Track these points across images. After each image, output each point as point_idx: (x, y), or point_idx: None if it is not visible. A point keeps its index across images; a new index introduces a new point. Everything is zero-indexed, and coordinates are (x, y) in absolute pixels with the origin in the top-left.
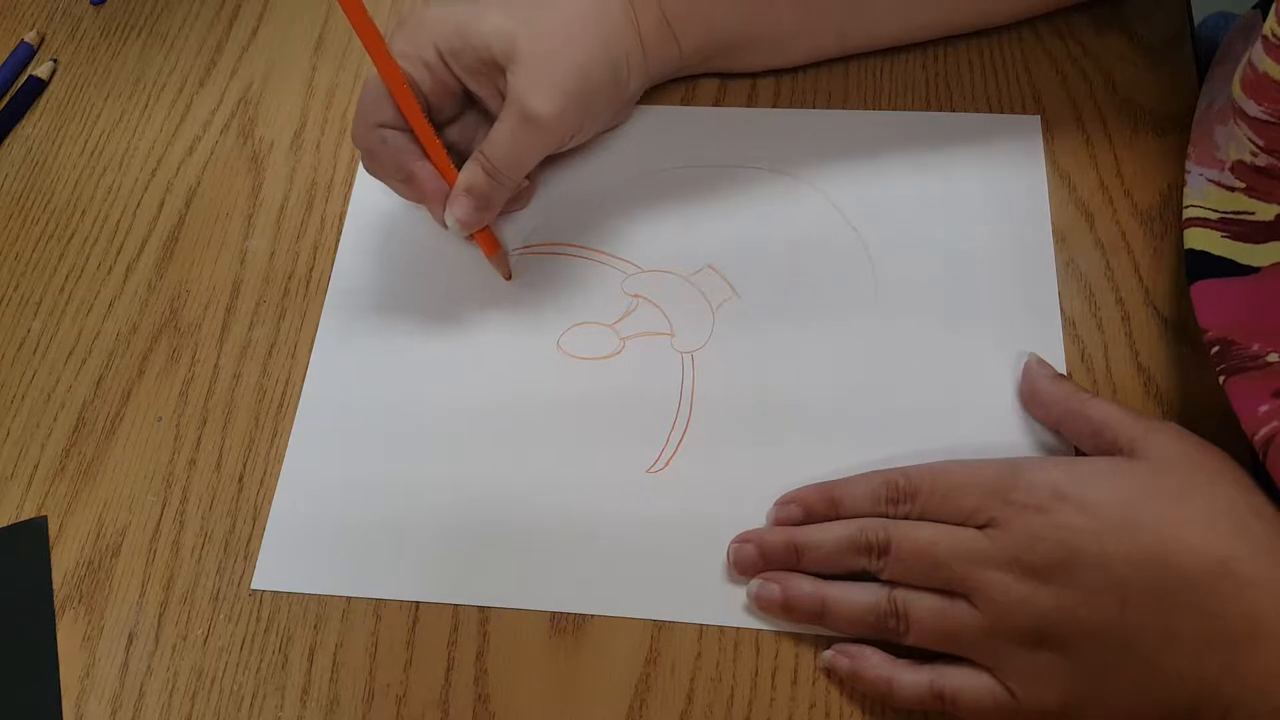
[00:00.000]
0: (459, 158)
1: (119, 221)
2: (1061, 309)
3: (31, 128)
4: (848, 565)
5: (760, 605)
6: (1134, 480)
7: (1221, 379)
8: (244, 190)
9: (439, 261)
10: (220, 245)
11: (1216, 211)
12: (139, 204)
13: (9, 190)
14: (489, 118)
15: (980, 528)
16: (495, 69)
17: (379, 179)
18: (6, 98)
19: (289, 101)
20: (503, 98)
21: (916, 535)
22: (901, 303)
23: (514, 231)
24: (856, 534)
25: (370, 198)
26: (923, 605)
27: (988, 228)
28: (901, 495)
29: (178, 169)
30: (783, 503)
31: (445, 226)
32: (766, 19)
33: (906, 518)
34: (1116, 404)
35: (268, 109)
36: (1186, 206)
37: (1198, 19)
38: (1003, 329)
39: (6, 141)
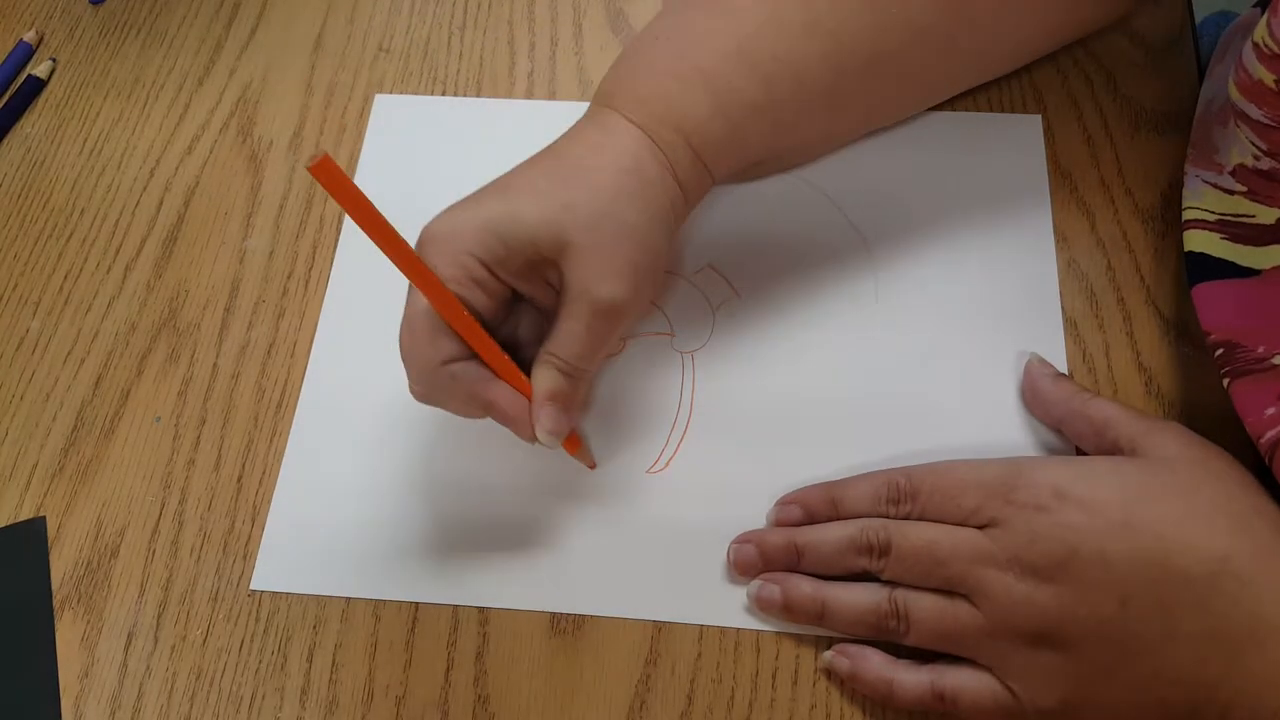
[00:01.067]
0: (512, 355)
1: (118, 221)
2: (1063, 308)
3: (30, 127)
4: (848, 566)
5: (760, 606)
6: (1135, 479)
7: (1226, 381)
8: (243, 189)
9: None
10: (219, 244)
11: (1214, 213)
12: (138, 203)
13: (8, 189)
14: (533, 305)
15: (981, 527)
16: (545, 264)
17: (443, 409)
18: (5, 97)
19: (288, 101)
20: (553, 289)
21: (917, 535)
22: (902, 302)
23: None
24: (857, 534)
25: (370, 198)
26: (923, 605)
27: (989, 227)
28: (902, 495)
29: (176, 168)
30: (783, 503)
31: (533, 442)
32: (795, 133)
33: (907, 518)
34: (1118, 403)
35: (266, 108)
36: (1185, 209)
37: (1198, 19)
38: (1004, 329)
39: (5, 141)
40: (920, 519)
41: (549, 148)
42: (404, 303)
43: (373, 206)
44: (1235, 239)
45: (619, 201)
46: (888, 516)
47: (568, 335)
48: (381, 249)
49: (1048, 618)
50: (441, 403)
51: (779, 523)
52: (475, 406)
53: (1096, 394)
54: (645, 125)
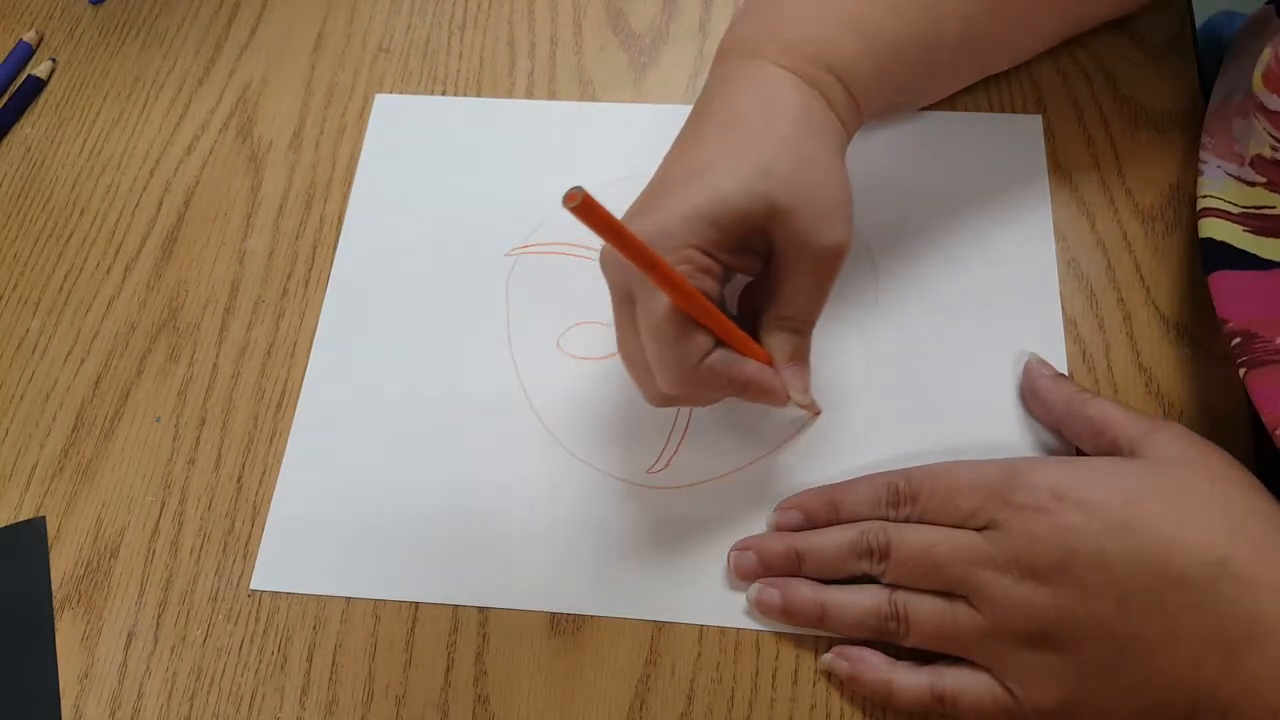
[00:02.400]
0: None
1: (118, 221)
2: (1063, 309)
3: (30, 127)
4: (849, 569)
5: (760, 609)
6: (1134, 480)
7: (1242, 371)
8: (243, 189)
9: (438, 262)
10: (219, 245)
11: (1237, 206)
12: (138, 203)
13: (8, 190)
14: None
15: (981, 529)
16: (754, 234)
17: (689, 405)
18: (5, 97)
19: (288, 101)
20: (758, 255)
21: (916, 538)
22: (902, 303)
23: (515, 231)
24: (857, 538)
25: (370, 198)
26: (923, 607)
27: (989, 227)
28: (902, 498)
29: (176, 168)
30: (783, 508)
31: (785, 405)
32: (934, 69)
33: (907, 520)
34: (1118, 403)
35: (266, 108)
36: (1202, 196)
37: (1200, 19)
38: (1004, 329)
39: (5, 141)
40: (920, 521)
41: (712, 115)
42: (405, 300)
43: (626, 229)
44: (1257, 231)
45: (807, 151)
46: (887, 519)
47: (796, 293)
48: (638, 265)
49: (1046, 619)
50: (694, 399)
51: (779, 528)
52: (731, 390)
53: (1096, 394)
54: (798, 69)
